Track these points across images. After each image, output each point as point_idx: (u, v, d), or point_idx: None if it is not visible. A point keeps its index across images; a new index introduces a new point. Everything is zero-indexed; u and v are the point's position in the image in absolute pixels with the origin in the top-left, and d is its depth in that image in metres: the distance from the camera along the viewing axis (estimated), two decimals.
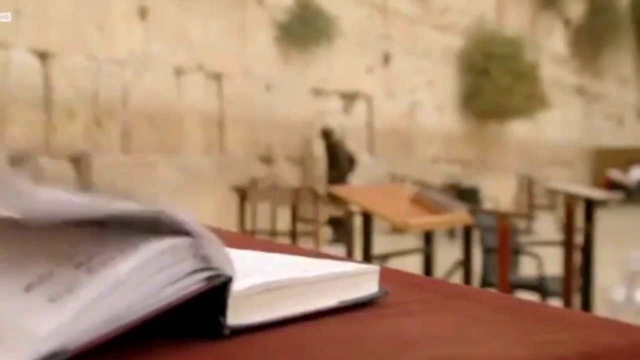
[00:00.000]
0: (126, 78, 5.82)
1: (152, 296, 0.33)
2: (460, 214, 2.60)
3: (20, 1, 5.00)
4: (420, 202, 2.64)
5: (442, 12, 9.26)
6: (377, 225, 4.27)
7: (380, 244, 4.11)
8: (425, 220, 2.46)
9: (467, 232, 2.92)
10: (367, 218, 2.46)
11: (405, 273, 0.62)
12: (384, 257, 3.08)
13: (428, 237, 2.88)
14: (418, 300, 0.48)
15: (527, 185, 8.91)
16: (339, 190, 3.48)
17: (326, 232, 5.21)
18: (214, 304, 0.36)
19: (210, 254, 0.36)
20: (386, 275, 0.60)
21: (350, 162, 6.59)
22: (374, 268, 0.48)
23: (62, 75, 5.45)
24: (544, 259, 3.12)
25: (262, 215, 4.94)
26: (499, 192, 9.01)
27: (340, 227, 4.96)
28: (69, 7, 5.46)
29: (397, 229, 4.56)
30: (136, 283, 0.33)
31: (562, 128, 11.38)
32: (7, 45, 5.02)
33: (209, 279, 0.36)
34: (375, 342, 0.38)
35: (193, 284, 0.35)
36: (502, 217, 3.06)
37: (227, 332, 0.37)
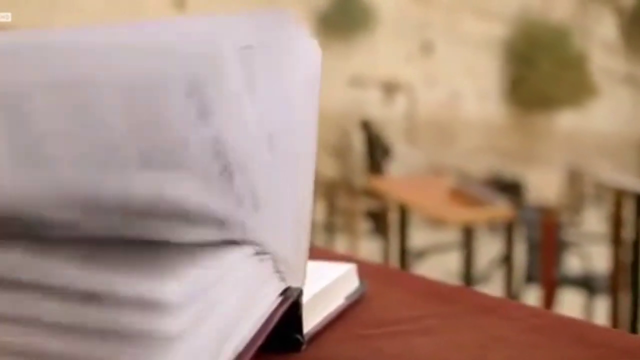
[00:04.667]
0: None
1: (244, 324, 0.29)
2: (501, 208, 2.51)
3: None
4: (460, 195, 2.55)
5: None
6: (418, 218, 4.19)
7: (420, 238, 4.03)
8: (465, 214, 2.37)
9: (510, 227, 2.82)
10: (404, 212, 2.38)
11: (427, 280, 0.55)
12: (421, 253, 3.00)
13: (468, 232, 2.78)
14: (437, 314, 0.42)
15: (574, 177, 8.68)
16: (377, 182, 3.41)
17: (363, 224, 5.15)
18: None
19: (281, 263, 0.32)
20: (404, 282, 0.54)
21: (385, 151, 6.51)
22: (350, 266, 0.46)
23: None
24: (592, 255, 2.99)
25: None
26: (545, 185, 8.79)
27: (379, 220, 4.89)
28: None
29: (436, 223, 4.47)
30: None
31: (611, 118, 11.07)
32: None
33: (283, 293, 0.33)
34: None
35: (272, 303, 0.32)
36: (547, 211, 2.94)
37: (304, 347, 0.34)
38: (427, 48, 8.39)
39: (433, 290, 0.49)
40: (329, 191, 4.76)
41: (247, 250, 0.29)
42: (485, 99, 9.13)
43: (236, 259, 0.28)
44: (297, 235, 0.32)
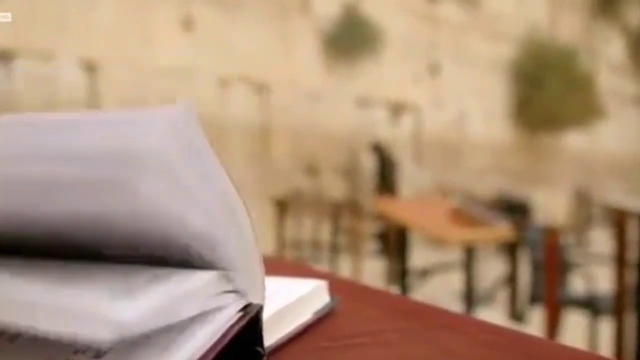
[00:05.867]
0: (171, 89, 5.90)
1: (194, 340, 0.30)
2: (503, 229, 2.51)
3: (66, 12, 5.15)
4: (461, 215, 2.56)
5: (493, 20, 9.09)
6: (422, 238, 4.18)
7: (425, 258, 4.02)
8: (465, 234, 2.38)
9: (513, 248, 2.82)
10: (404, 233, 2.39)
11: (398, 297, 0.57)
12: (425, 272, 3.00)
13: (469, 252, 2.79)
14: (398, 329, 0.44)
15: (582, 198, 8.62)
16: (381, 203, 3.42)
17: (370, 245, 5.14)
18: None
19: (242, 282, 0.34)
20: (376, 299, 0.55)
21: (396, 173, 6.50)
22: (321, 282, 0.47)
23: (108, 86, 5.57)
24: (597, 276, 2.98)
25: (306, 227, 4.90)
26: (552, 205, 8.74)
27: (386, 241, 4.89)
28: (113, 18, 5.58)
29: (439, 243, 4.46)
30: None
31: (619, 139, 11.00)
32: (54, 57, 5.17)
33: (243, 309, 0.34)
34: None
35: (230, 319, 0.33)
36: (550, 232, 2.94)
37: (265, 359, 0.36)
38: (434, 69, 8.42)
39: (401, 307, 0.51)
40: (336, 212, 4.75)
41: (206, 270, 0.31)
42: (492, 119, 9.11)
43: (195, 279, 0.30)
44: (247, 253, 0.35)
